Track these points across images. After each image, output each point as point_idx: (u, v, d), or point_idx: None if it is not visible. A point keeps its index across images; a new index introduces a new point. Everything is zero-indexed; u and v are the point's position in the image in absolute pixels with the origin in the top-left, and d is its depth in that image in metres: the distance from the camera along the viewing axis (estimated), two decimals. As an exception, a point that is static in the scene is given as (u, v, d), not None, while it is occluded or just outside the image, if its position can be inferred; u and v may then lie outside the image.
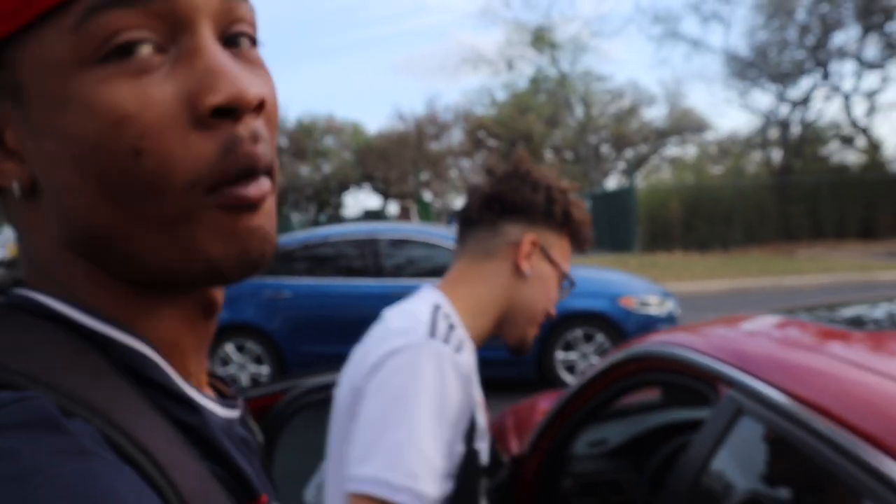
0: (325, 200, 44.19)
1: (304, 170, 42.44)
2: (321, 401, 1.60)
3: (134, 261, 0.46)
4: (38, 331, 0.44)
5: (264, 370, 6.78)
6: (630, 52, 61.35)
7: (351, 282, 6.78)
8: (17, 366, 0.40)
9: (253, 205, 0.45)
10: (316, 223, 37.46)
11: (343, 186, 45.82)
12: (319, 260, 6.96)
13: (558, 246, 1.35)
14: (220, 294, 0.53)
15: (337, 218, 41.60)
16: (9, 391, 0.38)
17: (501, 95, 36.33)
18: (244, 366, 6.76)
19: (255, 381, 6.75)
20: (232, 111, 0.43)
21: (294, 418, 1.57)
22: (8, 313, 0.46)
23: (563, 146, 36.70)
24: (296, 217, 41.04)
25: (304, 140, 40.80)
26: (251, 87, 0.44)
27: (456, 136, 41.57)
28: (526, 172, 1.33)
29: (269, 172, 0.47)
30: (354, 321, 6.56)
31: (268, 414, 1.54)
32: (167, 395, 0.47)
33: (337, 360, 1.76)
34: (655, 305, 6.67)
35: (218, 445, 0.49)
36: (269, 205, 0.48)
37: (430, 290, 1.32)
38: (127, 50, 0.42)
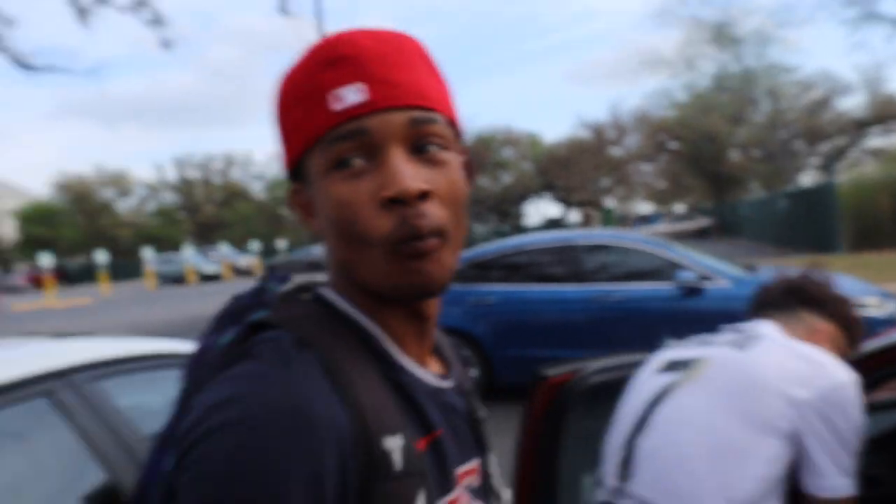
0: (505, 211, 44.75)
1: (485, 181, 43.32)
2: (605, 382, 1.78)
3: (360, 279, 0.75)
4: (318, 311, 0.76)
5: (472, 373, 7.10)
6: (820, 40, 57.13)
7: (552, 287, 6.97)
8: (294, 323, 0.72)
9: (421, 254, 0.71)
10: (498, 234, 38.04)
11: (523, 196, 46.27)
12: (521, 267, 7.20)
13: (839, 340, 1.63)
14: (429, 308, 0.80)
15: (518, 228, 41.95)
16: (280, 331, 0.71)
17: (682, 96, 35.08)
18: (453, 369, 7.11)
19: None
20: (400, 200, 0.70)
21: (582, 396, 1.76)
22: (308, 301, 0.79)
23: (749, 144, 34.85)
24: (478, 228, 41.85)
25: (484, 153, 41.68)
26: (413, 184, 0.70)
27: (634, 141, 40.67)
28: (824, 275, 1.65)
29: (437, 234, 0.72)
30: (557, 325, 6.80)
31: (558, 391, 1.73)
32: (384, 360, 0.76)
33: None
34: (875, 307, 6.28)
35: (410, 394, 0.75)
36: (439, 254, 0.72)
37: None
38: (346, 163, 0.72)
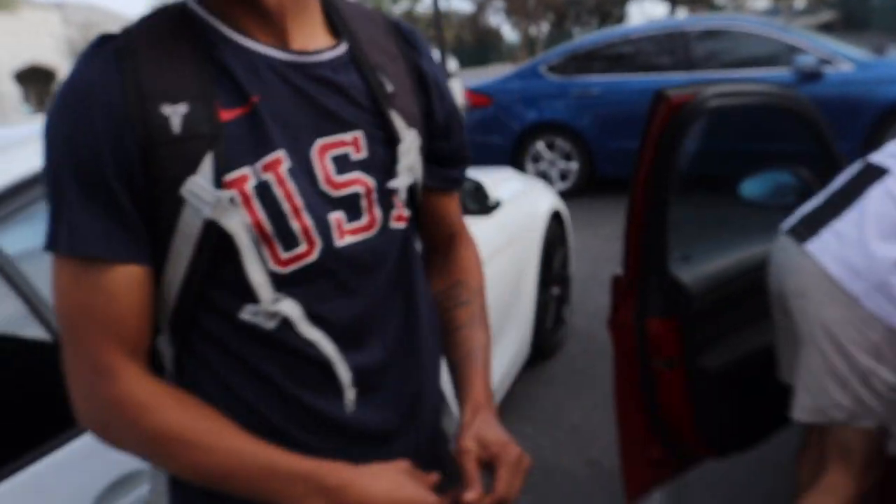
0: (607, 12, 42.20)
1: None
2: (725, 106, 1.78)
3: None
4: (163, 15, 0.82)
5: (573, 166, 7.10)
6: None
7: (659, 76, 6.68)
8: (127, 27, 0.81)
9: None
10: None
11: (627, -5, 43.31)
12: (627, 57, 6.90)
13: None
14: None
15: (620, 31, 39.66)
16: (112, 37, 0.80)
17: None
18: (554, 162, 7.13)
19: (563, 176, 7.12)
20: None
21: (700, 119, 1.77)
22: (167, 7, 0.84)
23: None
24: (577, 31, 39.78)
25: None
26: None
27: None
28: None
29: None
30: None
31: (678, 111, 1.74)
32: (211, 43, 0.81)
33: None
34: None
35: (228, 68, 0.80)
36: None
37: None
38: None
